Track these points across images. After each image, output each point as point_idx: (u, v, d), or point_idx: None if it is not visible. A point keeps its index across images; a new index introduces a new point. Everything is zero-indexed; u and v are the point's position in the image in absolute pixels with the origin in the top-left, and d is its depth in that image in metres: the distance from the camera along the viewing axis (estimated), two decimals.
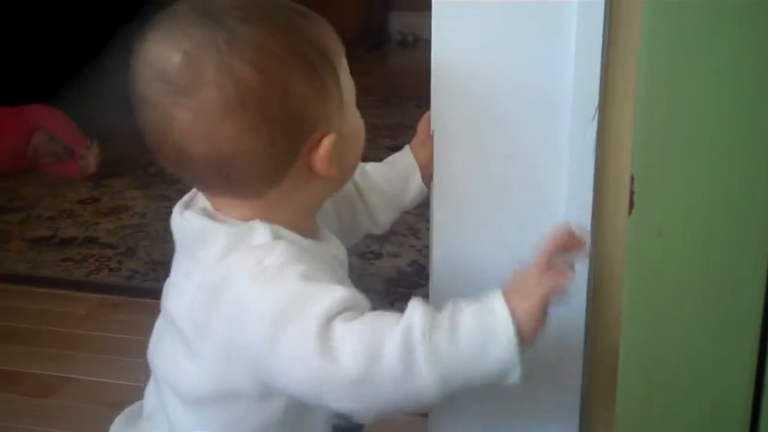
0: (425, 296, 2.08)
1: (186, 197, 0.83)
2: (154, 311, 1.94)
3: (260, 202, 0.79)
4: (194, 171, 0.75)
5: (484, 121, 0.95)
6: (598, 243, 0.96)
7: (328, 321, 0.72)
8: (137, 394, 1.63)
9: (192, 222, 0.80)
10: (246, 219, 0.78)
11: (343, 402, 0.74)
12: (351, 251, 2.39)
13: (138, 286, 2.12)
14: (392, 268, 2.20)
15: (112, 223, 2.54)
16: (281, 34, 0.72)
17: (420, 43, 6.26)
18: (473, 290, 0.82)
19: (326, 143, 0.77)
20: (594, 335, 1.00)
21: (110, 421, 1.01)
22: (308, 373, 0.72)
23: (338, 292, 0.75)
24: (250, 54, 0.70)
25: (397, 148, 3.76)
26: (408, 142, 3.87)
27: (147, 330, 1.85)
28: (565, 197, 0.94)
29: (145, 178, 3.00)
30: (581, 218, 0.94)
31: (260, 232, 0.77)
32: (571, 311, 0.97)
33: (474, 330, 0.74)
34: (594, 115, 0.89)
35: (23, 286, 2.13)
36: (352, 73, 0.87)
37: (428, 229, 2.56)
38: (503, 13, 0.91)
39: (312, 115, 0.76)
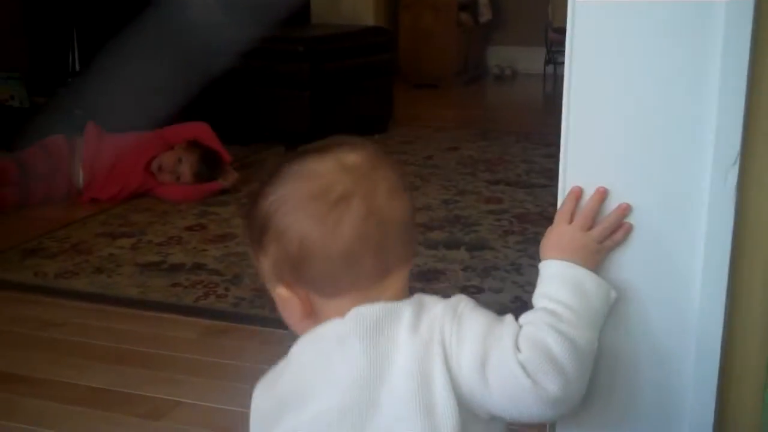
0: None
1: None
2: (260, 338, 2.00)
3: (401, 283, 0.89)
4: (391, 244, 0.85)
5: (621, 167, 0.94)
6: (735, 289, 0.93)
7: (516, 348, 0.83)
8: (243, 419, 1.66)
9: (375, 309, 0.86)
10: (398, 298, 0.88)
11: (544, 414, 0.85)
12: (452, 285, 2.38)
13: (244, 313, 2.16)
14: (495, 303, 2.18)
15: (219, 251, 2.60)
16: None
17: (518, 78, 6.25)
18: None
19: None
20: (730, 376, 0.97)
21: None
22: (519, 395, 0.82)
23: (511, 319, 0.87)
24: (391, 161, 0.90)
25: (497, 183, 3.76)
26: (507, 177, 3.86)
27: (253, 356, 1.90)
28: (703, 244, 0.92)
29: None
30: (720, 265, 0.91)
31: (430, 298, 0.89)
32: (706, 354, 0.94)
33: (580, 301, 0.89)
34: (736, 160, 0.87)
35: (135, 310, 2.20)
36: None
37: (530, 266, 2.54)
38: (643, 54, 0.90)
39: None
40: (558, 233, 0.96)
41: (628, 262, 0.96)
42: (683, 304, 0.95)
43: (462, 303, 0.87)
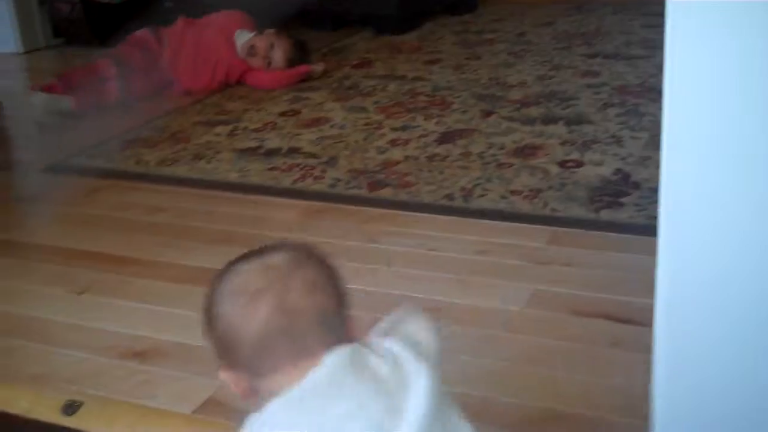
0: (631, 205, 2.01)
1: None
2: (357, 217, 2.02)
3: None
4: (306, 332, 0.95)
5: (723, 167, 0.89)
6: None
7: None
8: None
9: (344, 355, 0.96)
10: None
11: None
12: (551, 160, 2.34)
13: (341, 193, 2.17)
14: (595, 176, 2.13)
15: (314, 134, 2.60)
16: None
17: None
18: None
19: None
20: None
21: None
22: None
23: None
24: (322, 261, 1.01)
25: (593, 56, 3.65)
26: (605, 50, 3.74)
27: (351, 234, 1.92)
28: None
29: (341, 91, 3.06)
30: None
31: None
32: None
33: None
34: None
35: (235, 194, 2.23)
36: None
37: (632, 138, 2.47)
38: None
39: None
40: None
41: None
42: None
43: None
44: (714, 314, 0.97)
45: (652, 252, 1.70)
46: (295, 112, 2.85)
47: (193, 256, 1.89)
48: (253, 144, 2.56)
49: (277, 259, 0.98)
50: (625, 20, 3.75)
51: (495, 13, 4.17)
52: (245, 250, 1.05)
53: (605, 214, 1.91)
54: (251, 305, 0.95)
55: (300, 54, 3.25)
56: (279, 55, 3.20)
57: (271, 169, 2.36)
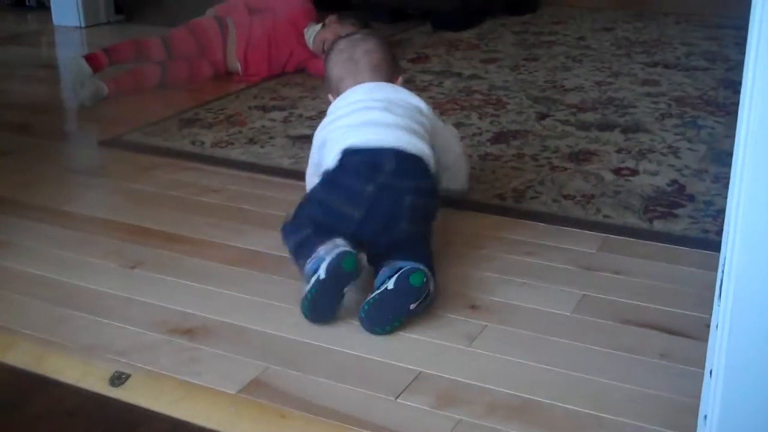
0: (685, 217, 1.98)
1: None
2: None
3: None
4: (364, 74, 1.86)
5: None
6: None
7: None
8: None
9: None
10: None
11: None
12: (605, 167, 2.31)
13: None
14: (649, 186, 2.11)
15: None
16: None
17: None
18: None
19: (401, 78, 1.90)
20: None
21: None
22: None
23: None
24: (381, 36, 1.97)
25: (653, 65, 3.61)
26: (665, 59, 3.69)
27: None
28: None
29: None
30: None
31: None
32: None
33: None
34: None
35: (287, 180, 2.24)
36: None
37: (689, 149, 2.43)
38: None
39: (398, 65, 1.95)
40: None
41: None
42: None
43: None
44: None
45: (704, 265, 1.70)
46: None
47: (244, 238, 1.91)
48: (307, 131, 2.57)
49: (355, 35, 1.93)
50: (687, 31, 3.70)
51: (555, 15, 4.15)
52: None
53: (658, 225, 1.90)
54: (336, 56, 1.88)
55: None
56: None
57: None
